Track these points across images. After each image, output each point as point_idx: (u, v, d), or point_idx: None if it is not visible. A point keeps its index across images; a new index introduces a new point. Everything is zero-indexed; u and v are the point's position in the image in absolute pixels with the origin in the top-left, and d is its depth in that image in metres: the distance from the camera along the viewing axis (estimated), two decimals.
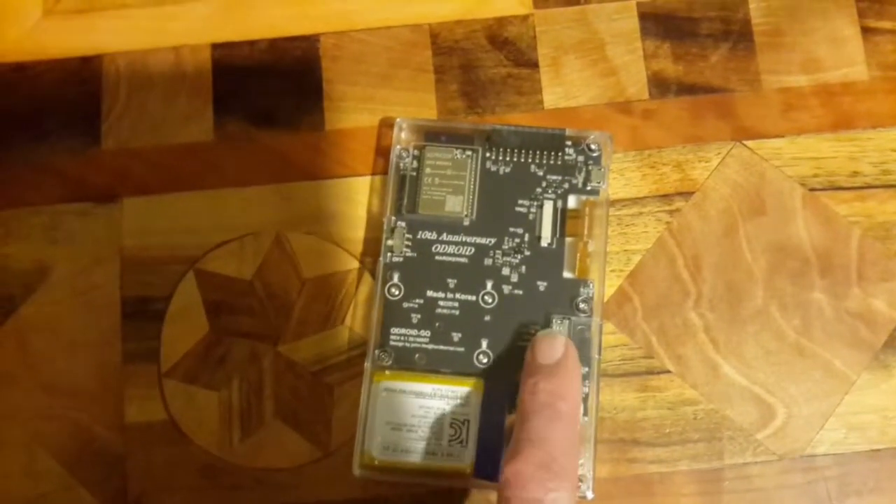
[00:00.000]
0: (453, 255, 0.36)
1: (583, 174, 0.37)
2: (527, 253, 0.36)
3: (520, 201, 0.37)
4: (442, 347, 0.36)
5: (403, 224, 0.37)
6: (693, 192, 0.38)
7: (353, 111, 0.39)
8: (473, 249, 0.36)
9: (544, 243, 0.36)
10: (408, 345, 0.36)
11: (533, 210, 0.37)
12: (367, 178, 0.38)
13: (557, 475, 0.30)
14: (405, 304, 0.36)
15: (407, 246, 0.36)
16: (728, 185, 0.38)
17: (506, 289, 0.36)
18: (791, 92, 0.39)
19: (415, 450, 0.35)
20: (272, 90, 0.39)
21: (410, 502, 0.36)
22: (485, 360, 0.35)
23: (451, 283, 0.36)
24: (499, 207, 0.37)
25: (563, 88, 0.39)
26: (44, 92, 0.39)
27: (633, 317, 0.37)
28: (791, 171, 0.38)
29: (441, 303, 0.36)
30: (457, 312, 0.36)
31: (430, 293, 0.36)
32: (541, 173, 0.37)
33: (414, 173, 0.37)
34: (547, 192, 0.37)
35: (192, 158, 0.39)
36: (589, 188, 0.37)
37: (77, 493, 0.36)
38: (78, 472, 0.36)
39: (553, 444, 0.31)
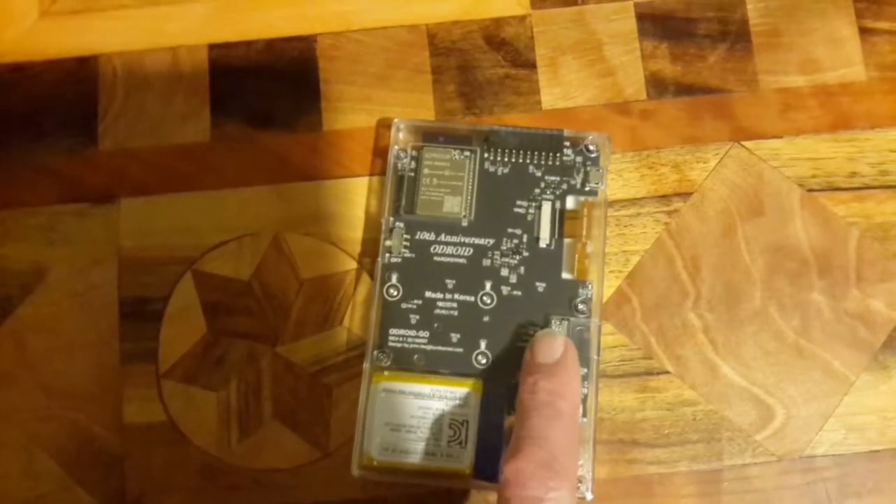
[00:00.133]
0: (452, 255, 0.36)
1: (581, 175, 0.37)
2: (525, 254, 0.36)
3: (518, 202, 0.37)
4: (441, 348, 0.36)
5: (402, 225, 0.37)
6: (691, 193, 0.38)
7: (350, 112, 0.39)
8: (472, 250, 0.36)
9: (543, 244, 0.36)
10: (406, 345, 0.36)
11: (531, 211, 0.37)
12: (365, 179, 0.38)
13: (558, 474, 0.30)
14: (404, 305, 0.36)
15: (405, 247, 0.36)
16: (726, 186, 0.38)
17: (504, 290, 0.36)
18: (789, 92, 0.39)
19: (414, 450, 0.35)
20: (269, 91, 0.39)
21: (409, 503, 0.36)
22: (484, 361, 0.35)
23: (450, 283, 0.36)
24: (497, 208, 0.37)
25: (561, 89, 0.39)
26: (41, 92, 0.39)
27: (631, 317, 0.37)
28: (789, 171, 0.38)
29: (440, 303, 0.36)
30: (455, 313, 0.36)
31: (428, 294, 0.36)
32: (539, 174, 0.37)
33: (412, 174, 0.37)
34: (545, 193, 0.37)
35: (190, 159, 0.39)
36: (587, 189, 0.37)
37: (76, 494, 0.36)
38: (76, 473, 0.36)
39: (553, 442, 0.31)
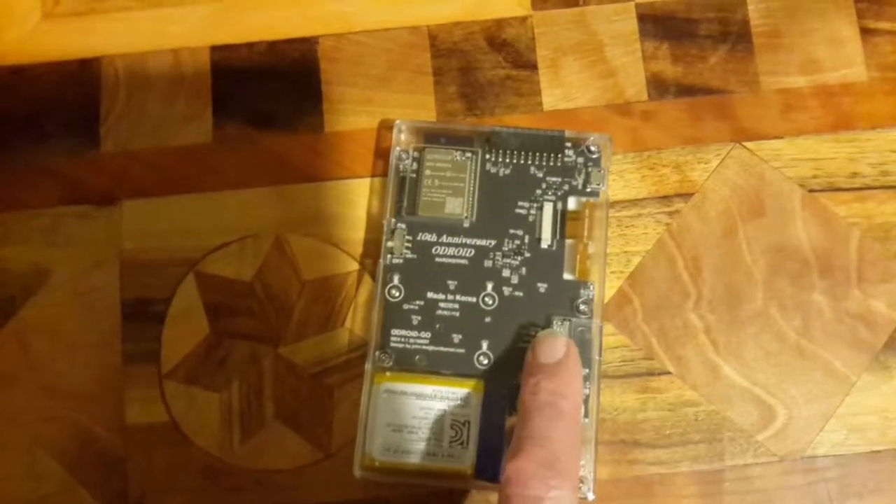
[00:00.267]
0: (453, 256, 0.36)
1: (582, 176, 0.37)
2: (527, 254, 0.36)
3: (520, 203, 0.37)
4: (442, 349, 0.36)
5: (403, 226, 0.37)
6: (692, 194, 0.38)
7: (352, 113, 0.39)
8: (473, 251, 0.36)
9: (544, 245, 0.36)
10: (408, 346, 0.36)
11: (533, 212, 0.37)
12: (367, 180, 0.38)
13: (560, 473, 0.30)
14: (405, 306, 0.36)
15: (407, 248, 0.36)
16: (727, 187, 0.38)
17: (506, 290, 0.36)
18: (790, 93, 0.39)
19: (415, 451, 0.35)
20: (271, 92, 0.39)
21: None
22: (485, 362, 0.35)
23: (452, 284, 0.36)
24: (499, 209, 0.37)
25: (562, 90, 0.39)
26: (43, 94, 0.39)
27: (633, 318, 0.37)
28: (790, 172, 0.38)
29: (441, 304, 0.36)
30: (457, 314, 0.36)
31: (430, 295, 0.36)
32: (540, 175, 0.37)
33: (413, 175, 0.37)
34: (547, 194, 0.37)
35: (192, 160, 0.39)
36: (588, 190, 0.37)
37: (78, 495, 0.36)
38: (79, 474, 0.36)
39: (555, 442, 0.31)
